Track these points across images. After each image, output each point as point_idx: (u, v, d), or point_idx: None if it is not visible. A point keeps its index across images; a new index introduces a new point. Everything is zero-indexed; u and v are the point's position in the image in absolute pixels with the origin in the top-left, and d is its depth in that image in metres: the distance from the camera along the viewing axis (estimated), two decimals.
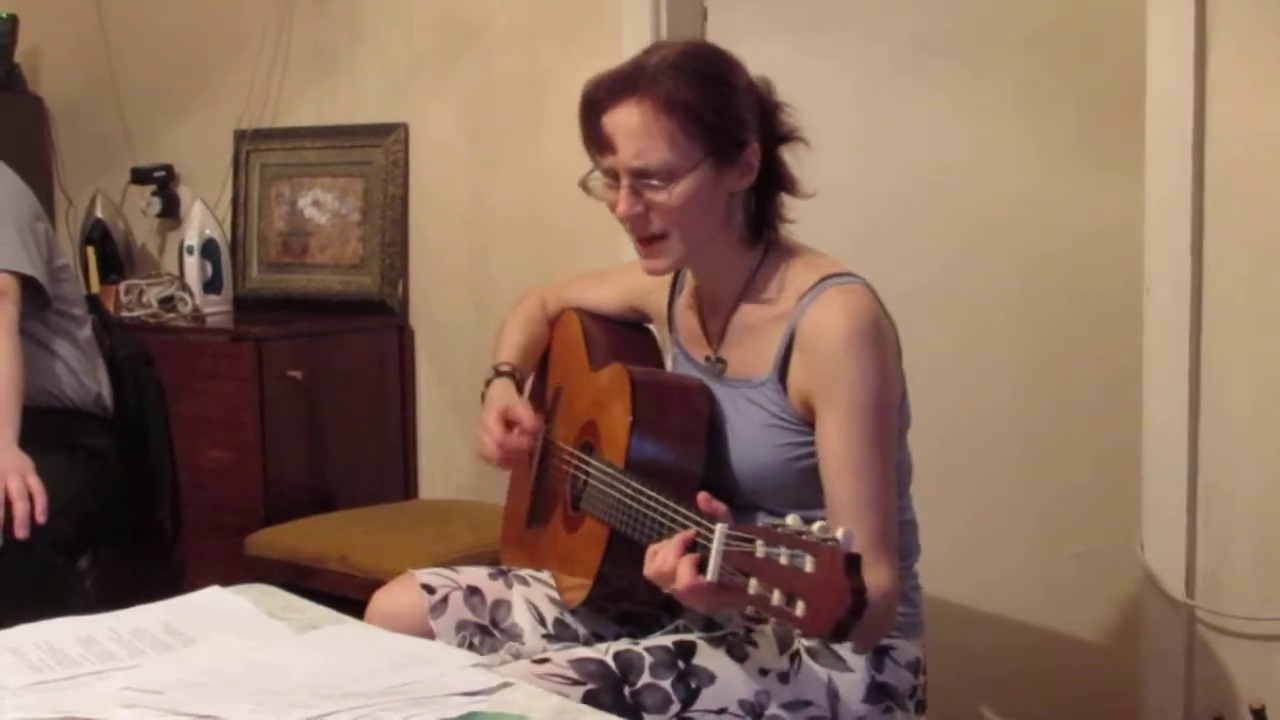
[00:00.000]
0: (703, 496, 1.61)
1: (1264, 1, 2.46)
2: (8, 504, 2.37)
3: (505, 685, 1.52)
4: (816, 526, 1.39)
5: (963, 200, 2.94)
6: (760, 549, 1.42)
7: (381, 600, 2.05)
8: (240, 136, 3.92)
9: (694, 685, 1.78)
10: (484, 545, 2.85)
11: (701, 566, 1.54)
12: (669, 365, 2.13)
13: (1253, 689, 2.45)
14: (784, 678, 1.82)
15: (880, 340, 1.81)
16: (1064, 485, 2.88)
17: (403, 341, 3.68)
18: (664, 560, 1.60)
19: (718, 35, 3.18)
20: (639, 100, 1.82)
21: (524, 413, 2.08)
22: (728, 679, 1.80)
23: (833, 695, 1.84)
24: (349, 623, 1.79)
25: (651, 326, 2.23)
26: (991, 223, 2.91)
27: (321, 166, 3.81)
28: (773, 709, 1.80)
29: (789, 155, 1.94)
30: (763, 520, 1.90)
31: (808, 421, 1.85)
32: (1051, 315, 2.88)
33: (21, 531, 2.35)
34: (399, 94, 3.66)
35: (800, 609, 1.34)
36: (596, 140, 1.88)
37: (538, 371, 2.30)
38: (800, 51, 3.10)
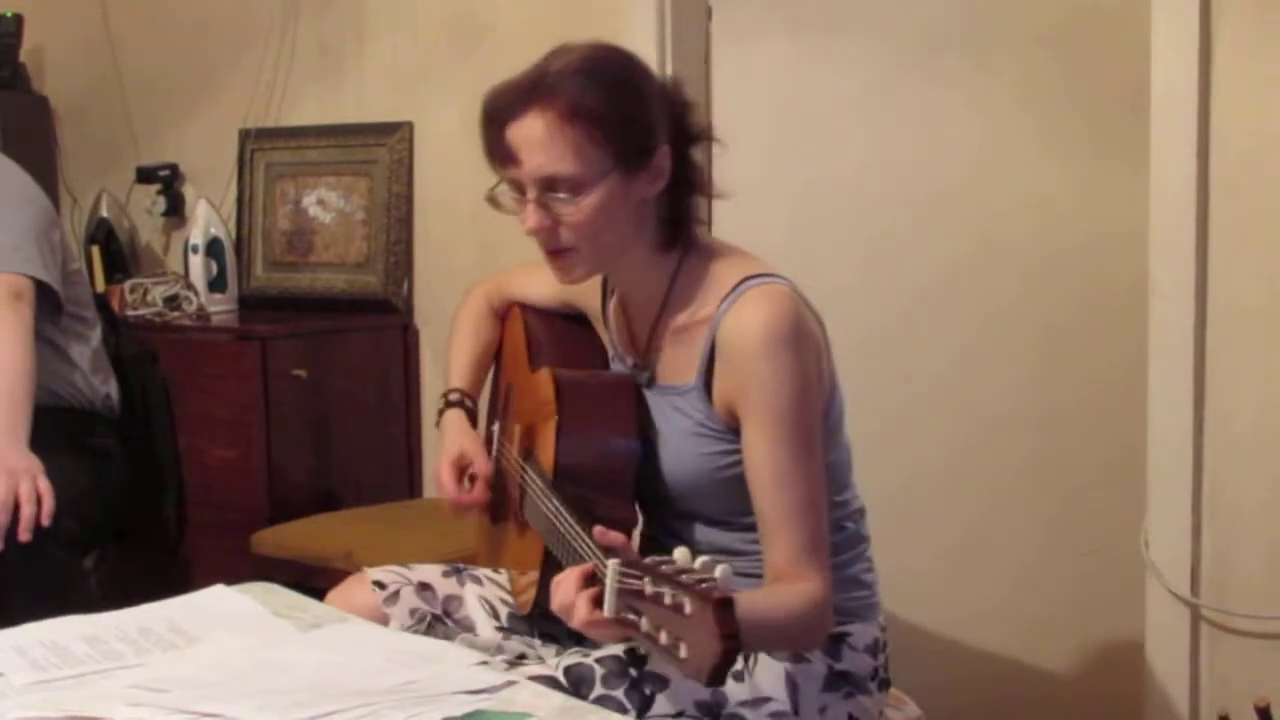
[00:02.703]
0: (598, 530, 1.56)
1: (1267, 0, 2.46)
2: (15, 506, 2.37)
3: (510, 684, 1.52)
4: (699, 563, 1.35)
5: (969, 199, 2.94)
6: (649, 586, 1.38)
7: (335, 599, 2.04)
8: (245, 135, 3.92)
9: (648, 691, 1.75)
10: None
11: (601, 600, 1.49)
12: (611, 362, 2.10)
13: (1258, 687, 2.44)
14: (739, 676, 1.79)
15: (799, 343, 1.76)
16: (1070, 483, 2.88)
17: (407, 340, 3.68)
18: (565, 593, 1.56)
19: (723, 34, 3.18)
20: (541, 110, 1.77)
21: (477, 458, 2.06)
22: (681, 682, 1.76)
23: (792, 687, 1.82)
24: (353, 621, 1.79)
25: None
26: (998, 222, 2.91)
27: (326, 165, 3.81)
28: (730, 708, 1.78)
29: (702, 154, 1.90)
30: (699, 531, 1.88)
31: (734, 429, 1.81)
32: (1057, 315, 2.88)
33: (26, 536, 2.35)
34: (404, 93, 3.66)
35: (683, 651, 1.31)
36: (499, 153, 1.84)
37: (495, 365, 2.29)
38: (806, 50, 3.10)
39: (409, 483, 3.69)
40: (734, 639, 1.28)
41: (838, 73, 3.07)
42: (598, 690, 1.74)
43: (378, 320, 3.68)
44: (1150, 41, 2.56)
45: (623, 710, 1.73)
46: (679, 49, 3.13)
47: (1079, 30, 2.81)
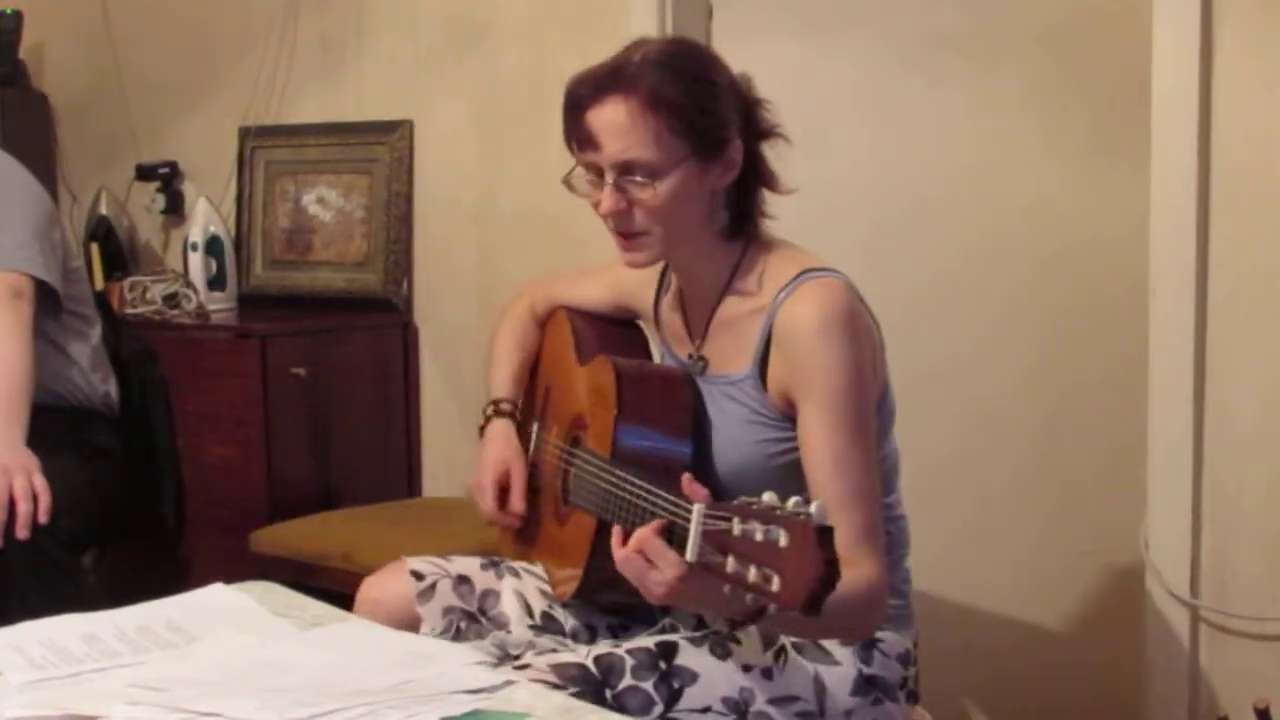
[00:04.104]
0: (686, 478, 1.59)
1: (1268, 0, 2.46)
2: (11, 504, 2.37)
3: (509, 683, 1.52)
4: (791, 501, 1.38)
5: (970, 198, 2.93)
6: (736, 526, 1.41)
7: (370, 587, 2.07)
8: (245, 133, 3.92)
9: (676, 685, 1.77)
10: (488, 544, 2.84)
11: (681, 551, 1.52)
12: (657, 361, 2.13)
13: (1257, 688, 2.44)
14: (768, 674, 1.81)
15: (855, 332, 1.81)
16: (1069, 483, 2.88)
17: (407, 339, 3.68)
18: (643, 540, 1.56)
19: (723, 33, 3.17)
20: (624, 97, 1.82)
21: (517, 483, 2.11)
22: (710, 677, 1.79)
23: (820, 689, 1.83)
24: (352, 620, 1.79)
25: (641, 323, 2.22)
26: (999, 221, 2.91)
27: (326, 163, 3.81)
28: (758, 705, 1.79)
29: (769, 151, 1.94)
30: None
31: (788, 417, 1.84)
32: (1058, 314, 2.88)
33: (23, 533, 2.35)
34: (405, 91, 3.66)
35: (776, 584, 1.33)
36: (580, 137, 1.88)
37: (530, 371, 2.31)
38: (807, 49, 3.10)
39: (408, 482, 3.69)
40: (834, 565, 1.31)
41: (838, 72, 3.07)
42: (627, 680, 1.75)
43: (377, 319, 3.68)
44: (1151, 41, 2.56)
45: (650, 702, 1.74)
46: None
47: (1081, 29, 2.81)
